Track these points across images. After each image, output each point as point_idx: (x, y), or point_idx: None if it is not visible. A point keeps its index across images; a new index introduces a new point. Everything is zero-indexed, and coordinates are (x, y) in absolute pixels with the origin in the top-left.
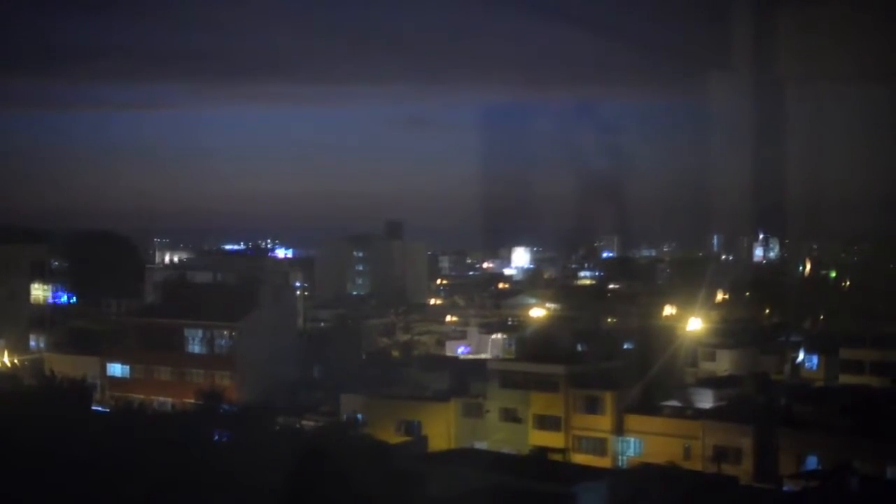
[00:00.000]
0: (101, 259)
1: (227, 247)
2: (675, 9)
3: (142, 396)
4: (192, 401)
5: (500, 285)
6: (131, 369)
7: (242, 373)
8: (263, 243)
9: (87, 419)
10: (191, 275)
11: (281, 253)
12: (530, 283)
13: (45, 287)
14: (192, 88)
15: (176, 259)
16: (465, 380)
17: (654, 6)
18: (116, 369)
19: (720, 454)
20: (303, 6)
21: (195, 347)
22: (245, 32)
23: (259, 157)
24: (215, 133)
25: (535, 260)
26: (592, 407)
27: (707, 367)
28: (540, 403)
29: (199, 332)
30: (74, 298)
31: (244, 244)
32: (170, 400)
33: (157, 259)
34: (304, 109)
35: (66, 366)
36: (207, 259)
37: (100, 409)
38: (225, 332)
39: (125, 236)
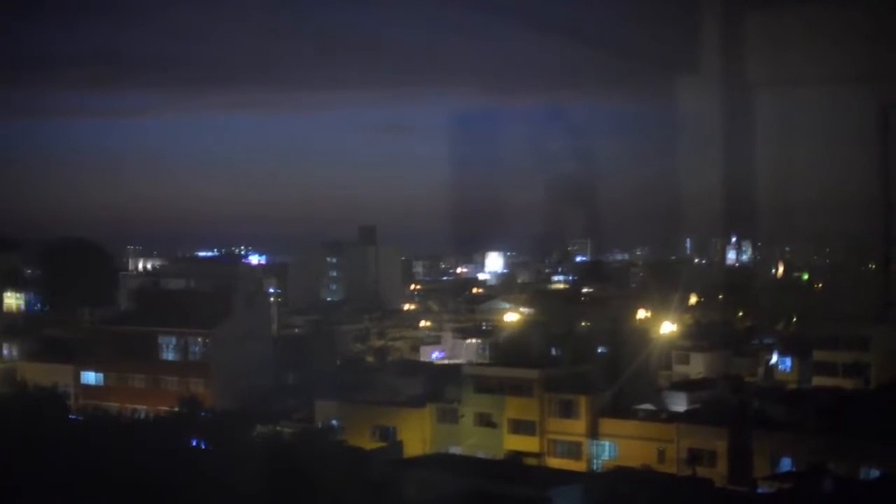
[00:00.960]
0: (75, 267)
1: (201, 253)
2: (645, 13)
3: (116, 404)
4: (167, 408)
5: (474, 290)
6: (105, 377)
7: (217, 380)
8: (237, 250)
9: (62, 427)
10: (164, 282)
11: (254, 259)
12: (504, 288)
13: (18, 295)
14: (165, 95)
15: (150, 266)
16: (440, 385)
17: (624, 11)
18: (90, 377)
19: (695, 457)
20: (276, 12)
21: (169, 355)
22: (217, 39)
23: (232, 164)
24: (188, 140)
25: (509, 264)
26: (567, 411)
27: (681, 370)
28: (514, 408)
29: (173, 340)
30: (47, 306)
31: (217, 251)
32: (144, 408)
33: (131, 266)
34: (277, 115)
35: (39, 374)
36: (181, 266)
37: (74, 417)
38: (199, 340)
39: (98, 244)
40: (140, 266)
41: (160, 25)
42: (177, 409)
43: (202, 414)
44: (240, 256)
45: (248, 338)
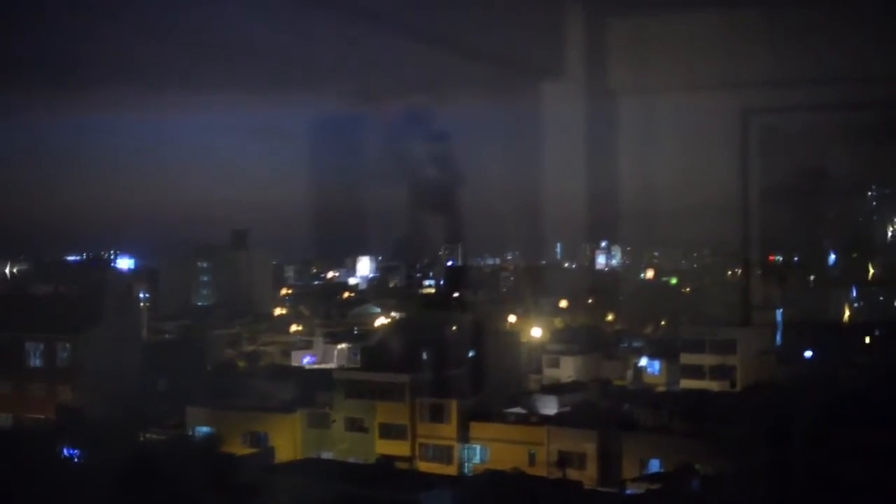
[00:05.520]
0: None
1: (69, 257)
2: (509, 19)
3: None
4: (34, 416)
5: (345, 294)
6: None
7: (85, 386)
8: (106, 253)
9: None
10: (30, 286)
11: (123, 263)
12: (375, 293)
13: None
14: (33, 95)
15: (15, 271)
16: (311, 390)
17: (489, 16)
18: None
19: (565, 459)
20: (145, 12)
21: (36, 361)
22: (87, 38)
23: (100, 166)
24: (55, 141)
25: (380, 269)
26: (437, 415)
27: (551, 373)
28: (385, 412)
29: (40, 346)
30: None
31: (86, 254)
32: (10, 415)
33: None
34: (147, 117)
35: None
36: (48, 270)
37: None
38: (67, 345)
39: None
40: (7, 271)
41: (30, 25)
42: (43, 416)
43: (70, 421)
44: (109, 260)
45: (117, 343)
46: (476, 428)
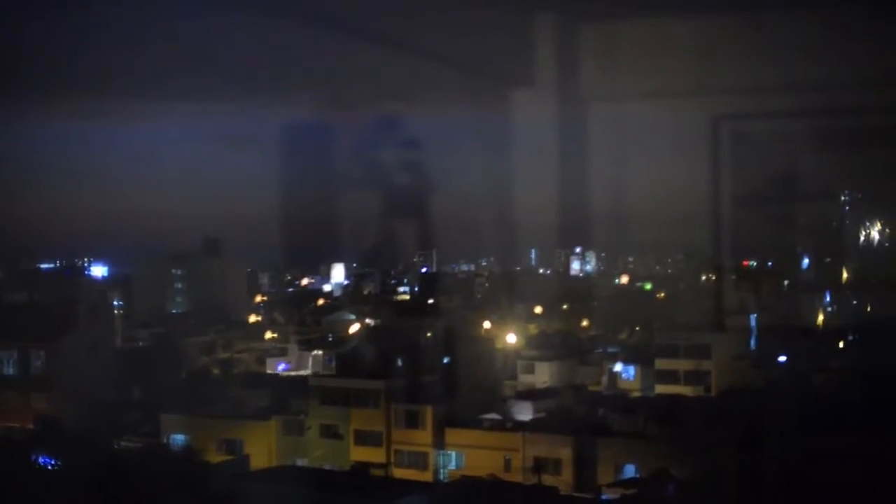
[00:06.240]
0: None
1: (43, 265)
2: (479, 26)
3: None
4: (7, 424)
5: (320, 301)
6: None
7: (59, 394)
8: (80, 261)
9: None
10: (4, 295)
11: (97, 271)
12: (350, 299)
13: None
14: (4, 103)
15: None
16: (286, 397)
17: (458, 24)
18: None
19: (540, 465)
20: (115, 21)
21: (9, 370)
22: (57, 47)
23: (75, 174)
24: (28, 149)
25: (355, 276)
26: (412, 421)
27: (526, 379)
28: (360, 419)
29: (14, 354)
30: None
31: (60, 262)
32: None
33: None
34: (120, 126)
35: None
36: (21, 278)
37: None
38: (41, 353)
39: None
40: None
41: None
42: (17, 424)
43: (43, 429)
44: (82, 268)
45: (91, 351)
46: (451, 434)
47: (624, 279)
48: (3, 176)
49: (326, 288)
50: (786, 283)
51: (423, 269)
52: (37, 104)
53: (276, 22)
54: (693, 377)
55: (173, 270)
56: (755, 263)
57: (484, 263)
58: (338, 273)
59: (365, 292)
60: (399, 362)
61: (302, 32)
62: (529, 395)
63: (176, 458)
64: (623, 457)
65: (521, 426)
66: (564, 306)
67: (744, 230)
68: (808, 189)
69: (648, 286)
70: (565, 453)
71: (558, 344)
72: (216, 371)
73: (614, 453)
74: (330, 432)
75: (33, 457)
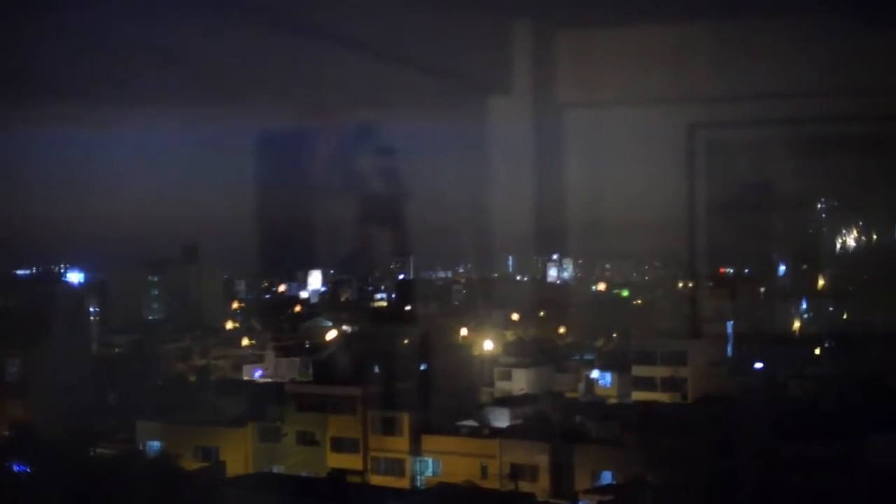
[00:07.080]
0: None
1: (18, 271)
2: (457, 33)
3: None
4: None
5: (297, 308)
6: None
7: (35, 401)
8: (55, 267)
9: None
10: None
11: (74, 277)
12: (327, 306)
13: None
14: None
15: None
16: (263, 404)
17: (436, 31)
18: None
19: (517, 472)
20: (87, 25)
21: None
22: (29, 51)
23: (50, 180)
24: (1, 156)
25: (332, 282)
26: (389, 428)
27: (503, 386)
28: (337, 426)
29: None
30: None
31: (35, 268)
32: None
33: None
34: (96, 132)
35: None
36: None
37: None
38: (16, 360)
39: None
40: None
41: None
42: None
43: (18, 436)
44: (59, 274)
45: (67, 357)
46: (428, 441)
47: (601, 286)
48: None
49: (303, 295)
50: (762, 290)
51: (401, 276)
52: (10, 110)
53: (252, 28)
54: (670, 384)
55: (150, 277)
56: (732, 270)
57: (461, 270)
58: (315, 280)
59: (342, 299)
60: (376, 369)
61: (278, 38)
62: (506, 401)
63: (152, 464)
64: (600, 463)
65: (497, 433)
66: (541, 313)
67: (720, 237)
68: (785, 197)
69: (625, 293)
70: (542, 460)
71: (535, 351)
72: (192, 378)
73: (591, 460)
74: (306, 439)
75: (7, 463)
